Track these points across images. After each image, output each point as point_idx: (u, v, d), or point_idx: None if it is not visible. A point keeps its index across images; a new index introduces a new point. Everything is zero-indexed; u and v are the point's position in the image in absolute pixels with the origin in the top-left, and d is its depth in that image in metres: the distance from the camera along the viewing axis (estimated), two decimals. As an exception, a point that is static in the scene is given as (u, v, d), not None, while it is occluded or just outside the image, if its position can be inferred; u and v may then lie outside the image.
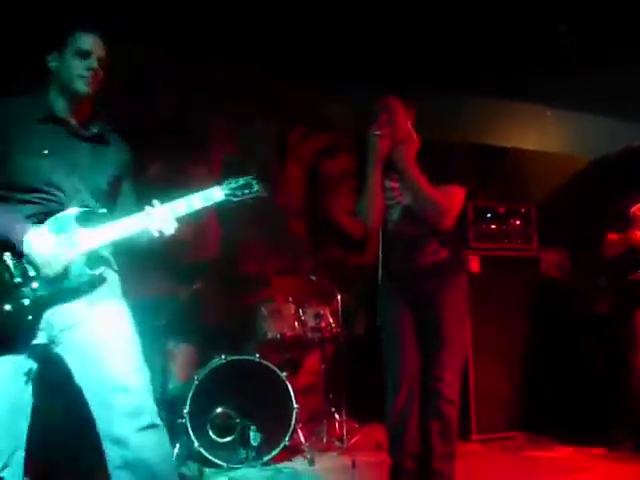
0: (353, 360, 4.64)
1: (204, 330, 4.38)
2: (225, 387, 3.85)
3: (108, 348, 2.09)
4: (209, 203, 2.23)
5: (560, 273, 5.28)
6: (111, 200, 2.29)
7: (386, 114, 2.96)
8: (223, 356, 3.88)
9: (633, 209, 4.18)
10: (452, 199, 2.92)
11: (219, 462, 3.72)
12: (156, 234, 2.17)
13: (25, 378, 2.10)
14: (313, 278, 4.54)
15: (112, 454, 2.04)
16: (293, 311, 4.25)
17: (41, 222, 2.09)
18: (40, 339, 2.08)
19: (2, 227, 2.04)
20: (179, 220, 2.20)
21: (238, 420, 3.81)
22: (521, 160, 6.18)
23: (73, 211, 2.13)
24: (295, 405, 3.88)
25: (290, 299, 4.31)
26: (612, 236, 4.23)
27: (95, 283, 2.14)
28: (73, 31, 2.20)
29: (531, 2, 4.12)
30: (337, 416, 4.42)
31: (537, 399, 4.58)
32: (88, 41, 2.19)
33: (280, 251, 5.09)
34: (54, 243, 2.04)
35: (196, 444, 3.68)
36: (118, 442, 2.03)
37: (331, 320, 4.34)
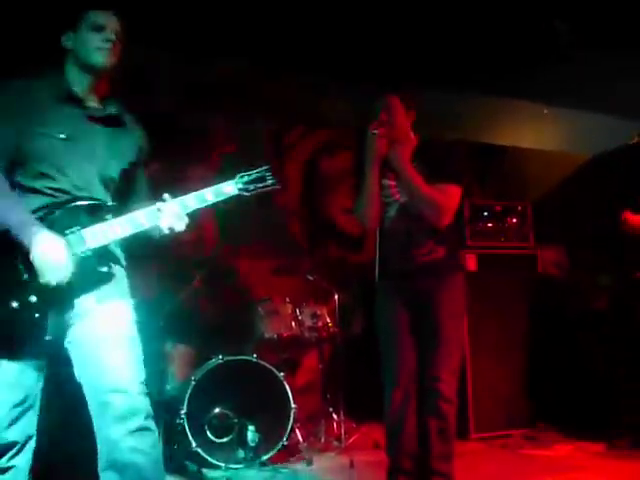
0: (350, 359, 4.63)
1: (201, 330, 4.37)
2: (223, 387, 3.84)
3: (109, 347, 2.07)
4: (221, 198, 2.20)
5: (558, 271, 5.28)
6: (122, 190, 2.25)
7: (386, 114, 2.97)
8: (220, 356, 3.88)
9: None
10: (449, 197, 2.92)
11: (217, 462, 3.71)
12: (166, 231, 2.15)
13: (36, 373, 2.10)
14: (310, 278, 4.53)
15: (102, 454, 2.03)
16: (290, 311, 4.25)
17: (50, 215, 2.06)
18: (49, 335, 2.05)
19: (15, 226, 1.99)
20: (190, 216, 2.16)
21: (236, 420, 3.81)
22: (518, 158, 6.18)
23: (82, 204, 2.10)
24: (293, 405, 3.87)
25: (287, 299, 4.31)
26: (631, 215, 4.05)
27: (104, 280, 2.11)
28: (86, 10, 2.18)
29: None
30: (335, 416, 4.41)
31: (535, 397, 4.58)
32: (102, 16, 2.17)
33: (278, 251, 5.09)
34: (64, 252, 2.00)
35: (194, 444, 3.67)
36: (108, 442, 2.01)
37: (328, 320, 4.34)
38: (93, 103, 2.22)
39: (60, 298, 2.04)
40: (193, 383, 3.75)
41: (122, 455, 1.99)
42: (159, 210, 2.13)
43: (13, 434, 2.06)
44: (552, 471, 3.63)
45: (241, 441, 3.75)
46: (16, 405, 2.06)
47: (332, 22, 4.25)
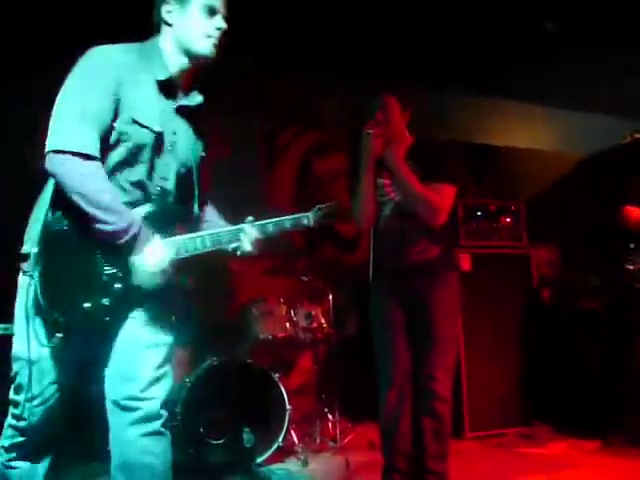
0: (345, 360, 4.63)
1: (196, 332, 4.36)
2: (217, 389, 3.82)
3: (143, 351, 2.01)
4: (298, 228, 2.25)
5: (552, 270, 5.29)
6: (188, 189, 2.13)
7: (382, 113, 2.98)
8: (215, 358, 3.87)
9: None
10: (443, 197, 2.94)
11: (213, 464, 3.70)
12: (239, 252, 2.12)
13: (77, 365, 2.05)
14: (305, 279, 4.53)
15: (115, 454, 2.00)
16: (285, 312, 4.24)
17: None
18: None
19: (118, 222, 1.86)
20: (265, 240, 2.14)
21: (231, 422, 3.79)
22: (512, 158, 6.19)
23: (173, 208, 2.04)
24: (288, 406, 3.87)
25: (282, 300, 4.30)
26: (632, 209, 4.02)
27: (171, 292, 2.04)
28: None
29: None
30: (330, 416, 4.41)
31: (530, 396, 4.59)
32: None
33: (272, 251, 5.07)
34: (167, 257, 1.94)
35: (189, 446, 3.66)
36: (122, 443, 1.99)
37: (323, 320, 4.33)
38: (181, 92, 2.07)
39: (130, 304, 1.98)
40: (188, 385, 3.74)
41: (135, 456, 1.97)
42: (242, 232, 2.10)
43: None
44: (547, 469, 3.64)
45: (236, 443, 3.74)
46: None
47: (329, 22, 4.26)
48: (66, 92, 1.90)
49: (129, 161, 1.96)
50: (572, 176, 6.25)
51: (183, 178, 2.10)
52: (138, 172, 1.99)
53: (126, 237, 1.89)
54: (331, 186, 5.56)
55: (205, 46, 2.00)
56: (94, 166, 1.87)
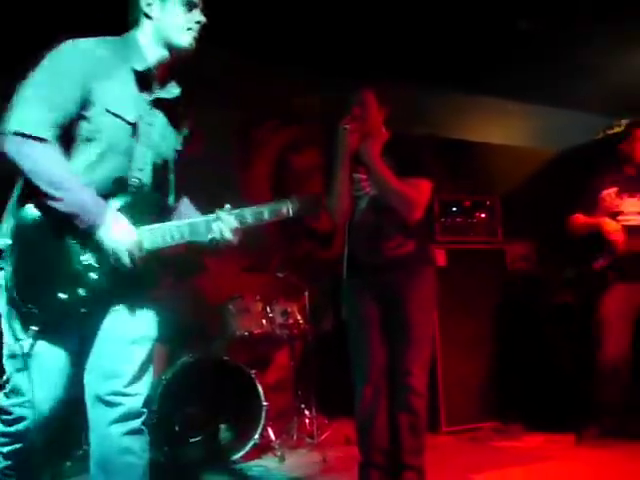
0: (322, 356, 4.63)
1: (171, 329, 4.33)
2: (193, 386, 3.81)
3: (126, 347, 2.00)
4: (276, 218, 2.16)
5: (526, 265, 5.33)
6: (164, 181, 2.13)
7: (359, 108, 2.97)
8: (191, 355, 3.85)
9: (603, 194, 4.18)
10: (420, 192, 2.94)
11: (189, 462, 3.68)
12: (217, 242, 2.08)
13: (69, 359, 1.99)
14: (280, 275, 4.52)
15: (95, 452, 1.98)
16: (261, 308, 4.23)
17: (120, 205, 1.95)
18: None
19: (86, 207, 1.85)
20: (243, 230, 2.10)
21: (207, 419, 3.78)
22: (487, 154, 6.23)
23: (147, 197, 2.02)
24: (264, 403, 3.86)
25: (258, 296, 4.29)
26: (578, 217, 4.19)
27: (144, 281, 2.03)
28: None
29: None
30: (307, 412, 4.41)
31: (505, 390, 4.63)
32: None
33: (247, 248, 5.05)
34: (136, 238, 1.92)
35: (165, 444, 3.64)
36: (104, 441, 1.96)
37: (299, 317, 4.33)
38: (157, 84, 2.07)
39: (109, 295, 1.96)
40: (164, 382, 3.72)
41: (116, 455, 1.95)
42: (220, 220, 2.06)
43: None
44: (522, 462, 3.67)
45: (213, 440, 3.73)
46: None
47: (305, 17, 4.24)
48: (32, 79, 1.90)
49: (105, 152, 1.95)
50: (546, 171, 6.32)
51: (159, 170, 2.10)
52: (114, 163, 1.97)
53: (89, 218, 1.87)
54: (308, 181, 5.55)
55: (186, 39, 2.03)
56: (49, 148, 1.86)
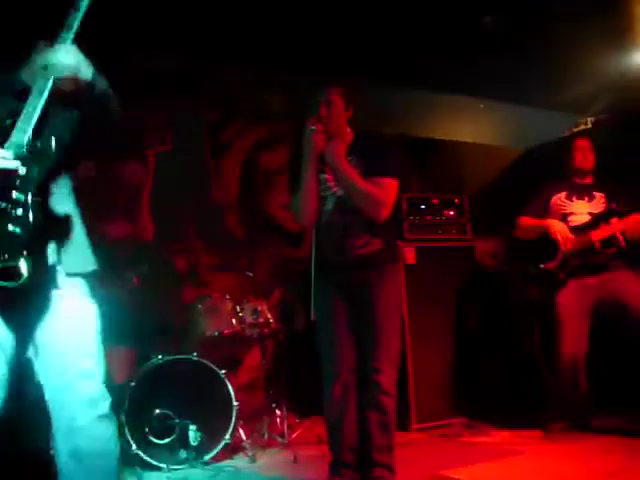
0: (293, 355, 4.63)
1: (140, 330, 4.29)
2: (163, 387, 3.78)
3: (75, 334, 2.02)
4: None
5: (494, 262, 5.39)
6: None
7: (325, 109, 2.97)
8: (160, 356, 3.82)
9: (553, 199, 4.27)
10: (386, 191, 2.95)
11: (159, 464, 3.66)
12: None
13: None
14: (250, 274, 4.51)
15: (63, 442, 1.96)
16: (230, 308, 4.21)
17: None
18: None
19: None
20: None
21: (177, 420, 3.74)
22: (455, 152, 6.28)
23: None
24: (235, 403, 3.85)
25: (227, 296, 4.27)
26: (525, 219, 4.29)
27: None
28: None
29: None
30: (278, 412, 4.40)
31: (474, 386, 4.67)
32: None
33: (216, 247, 5.03)
34: None
35: (134, 447, 3.60)
36: (72, 429, 1.94)
37: (269, 316, 4.31)
38: None
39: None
40: (133, 384, 3.69)
41: (86, 442, 1.94)
42: None
43: None
44: (491, 457, 3.71)
45: (183, 441, 3.70)
46: None
47: (272, 13, 4.22)
48: None
49: None
50: (513, 169, 6.38)
51: None
52: None
53: None
54: (277, 180, 5.54)
55: None
56: None
